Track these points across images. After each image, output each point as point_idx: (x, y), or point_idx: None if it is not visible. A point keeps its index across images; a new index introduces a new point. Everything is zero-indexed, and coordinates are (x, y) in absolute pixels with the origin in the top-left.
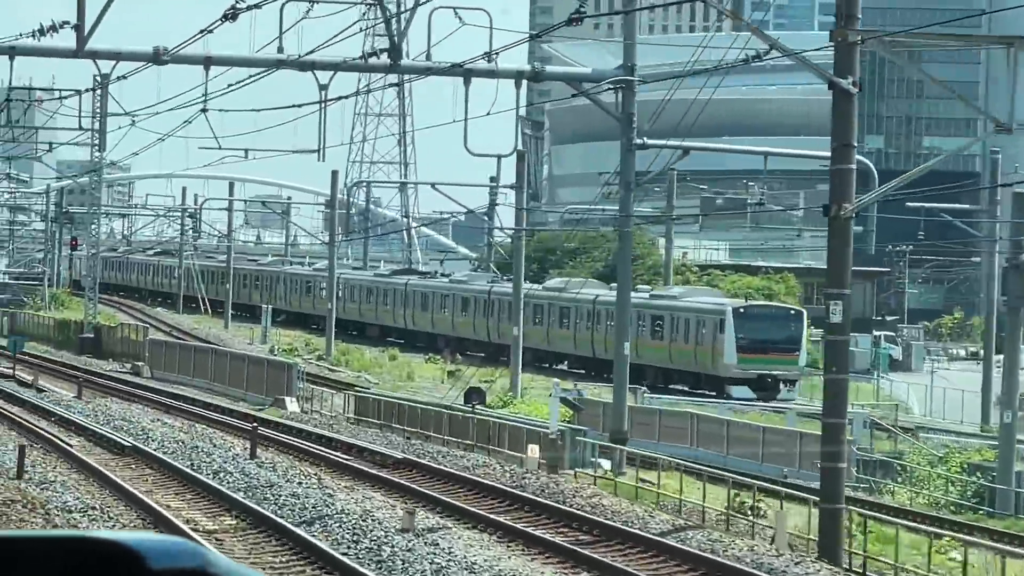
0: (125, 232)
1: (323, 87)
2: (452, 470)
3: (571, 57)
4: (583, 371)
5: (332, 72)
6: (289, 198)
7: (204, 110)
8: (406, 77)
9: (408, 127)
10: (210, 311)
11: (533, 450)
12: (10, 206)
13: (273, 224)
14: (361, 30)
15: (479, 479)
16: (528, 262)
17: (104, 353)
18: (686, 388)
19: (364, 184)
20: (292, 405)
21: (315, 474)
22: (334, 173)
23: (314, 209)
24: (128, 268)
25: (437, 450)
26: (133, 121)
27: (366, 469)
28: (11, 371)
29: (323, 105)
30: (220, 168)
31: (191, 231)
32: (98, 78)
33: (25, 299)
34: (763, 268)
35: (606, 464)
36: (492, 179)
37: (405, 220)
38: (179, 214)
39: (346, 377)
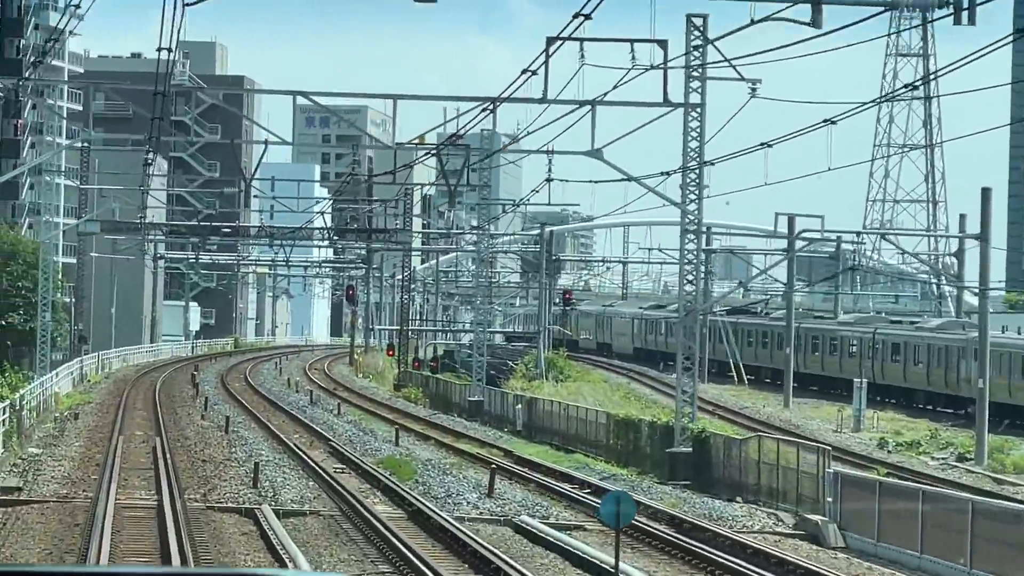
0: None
1: None
2: None
3: None
4: None
5: None
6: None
7: None
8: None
9: (937, 161)
10: (744, 380)
11: None
12: (480, 255)
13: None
14: None
15: None
16: None
17: (715, 481)
18: None
19: None
20: None
21: None
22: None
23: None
24: (609, 325)
25: None
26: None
27: None
28: (613, 566)
29: None
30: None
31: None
32: None
33: (511, 363)
34: None
35: None
36: None
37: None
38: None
39: None
